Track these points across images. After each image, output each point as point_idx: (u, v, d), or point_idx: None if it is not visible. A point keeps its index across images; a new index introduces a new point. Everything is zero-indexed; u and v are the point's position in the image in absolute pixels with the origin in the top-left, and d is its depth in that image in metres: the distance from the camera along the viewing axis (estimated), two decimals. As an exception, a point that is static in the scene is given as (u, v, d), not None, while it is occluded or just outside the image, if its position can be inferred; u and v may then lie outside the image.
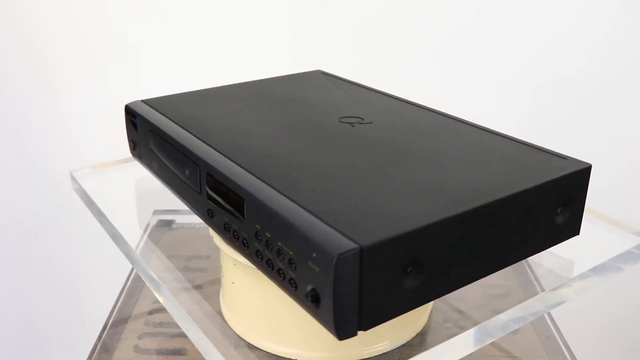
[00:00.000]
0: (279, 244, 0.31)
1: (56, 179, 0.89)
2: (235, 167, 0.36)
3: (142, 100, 0.49)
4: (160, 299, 0.41)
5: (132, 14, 0.80)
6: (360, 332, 0.29)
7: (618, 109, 0.81)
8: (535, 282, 0.58)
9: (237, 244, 0.35)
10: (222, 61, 0.81)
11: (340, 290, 0.28)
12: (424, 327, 0.46)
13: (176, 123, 0.44)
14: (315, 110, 0.46)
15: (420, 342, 0.44)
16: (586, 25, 0.78)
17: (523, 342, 0.47)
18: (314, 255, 0.28)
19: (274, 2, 0.79)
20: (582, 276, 0.40)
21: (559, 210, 0.36)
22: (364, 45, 0.80)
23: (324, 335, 0.40)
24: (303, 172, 0.35)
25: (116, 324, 0.49)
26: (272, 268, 0.32)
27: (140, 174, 0.52)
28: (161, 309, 0.50)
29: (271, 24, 0.80)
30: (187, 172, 0.40)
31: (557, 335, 0.48)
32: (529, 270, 0.54)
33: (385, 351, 0.42)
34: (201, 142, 0.40)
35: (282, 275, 0.31)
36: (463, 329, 0.44)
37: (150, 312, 0.50)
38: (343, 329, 0.29)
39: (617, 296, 0.90)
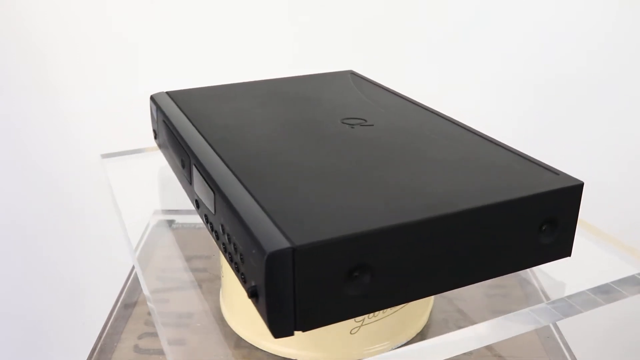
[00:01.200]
0: (234, 238, 0.31)
1: (56, 179, 0.89)
2: (217, 161, 0.37)
3: (166, 92, 0.51)
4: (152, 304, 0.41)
5: (132, 14, 0.80)
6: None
7: (618, 108, 0.81)
8: (535, 282, 0.58)
9: (212, 236, 0.36)
10: (223, 61, 0.81)
11: (272, 288, 0.28)
12: (424, 327, 0.46)
13: (186, 115, 0.45)
14: (323, 110, 0.46)
15: (420, 341, 0.44)
16: (586, 25, 0.78)
17: (523, 342, 0.47)
18: (254, 251, 0.29)
19: (273, 2, 0.79)
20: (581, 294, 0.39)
21: (543, 228, 0.34)
22: (364, 45, 0.80)
23: (324, 335, 0.40)
24: (279, 169, 0.36)
25: (116, 324, 0.49)
26: (232, 261, 0.33)
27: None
28: (160, 301, 0.50)
29: (271, 24, 0.80)
30: (182, 163, 0.42)
31: (557, 335, 0.48)
32: (528, 270, 0.54)
33: (385, 351, 0.42)
34: (199, 135, 0.41)
35: (237, 270, 0.32)
36: (463, 328, 0.44)
37: (151, 302, 0.50)
38: (278, 327, 0.29)
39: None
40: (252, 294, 0.30)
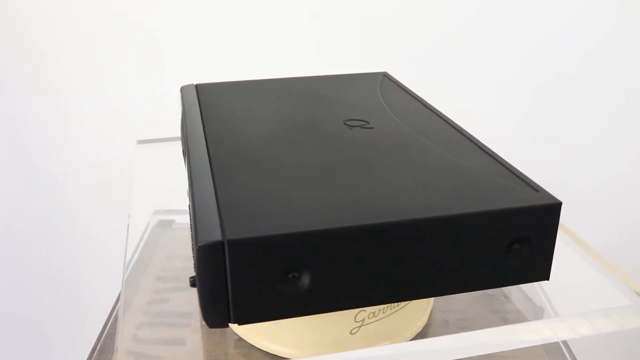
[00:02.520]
0: (191, 229, 0.32)
1: (56, 179, 0.89)
2: (203, 153, 0.37)
3: (195, 84, 0.52)
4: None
5: (132, 14, 0.80)
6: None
7: (618, 108, 0.81)
8: (536, 284, 0.58)
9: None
10: (223, 61, 0.82)
11: (205, 279, 0.28)
12: (424, 327, 0.46)
13: (200, 107, 0.46)
14: (332, 110, 0.46)
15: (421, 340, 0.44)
16: (586, 25, 0.78)
17: (523, 342, 0.47)
18: (193, 242, 0.29)
19: (273, 2, 0.79)
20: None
21: (514, 247, 0.32)
22: (363, 45, 0.80)
23: (324, 335, 0.40)
24: (255, 165, 0.36)
25: (116, 324, 0.49)
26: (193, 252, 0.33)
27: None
28: (160, 300, 0.50)
29: (271, 24, 0.80)
30: (183, 153, 0.43)
31: (557, 335, 0.48)
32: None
33: (385, 351, 0.42)
34: (202, 127, 0.42)
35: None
36: (463, 329, 0.44)
37: (150, 303, 0.50)
38: (211, 318, 0.30)
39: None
40: (192, 284, 0.30)
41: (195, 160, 0.37)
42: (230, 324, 0.45)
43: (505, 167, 0.36)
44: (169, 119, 0.69)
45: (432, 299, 0.47)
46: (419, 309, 0.44)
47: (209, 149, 0.38)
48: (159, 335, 0.47)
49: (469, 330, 0.36)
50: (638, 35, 0.77)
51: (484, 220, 0.31)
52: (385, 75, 0.55)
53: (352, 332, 0.40)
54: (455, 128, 0.42)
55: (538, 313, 0.50)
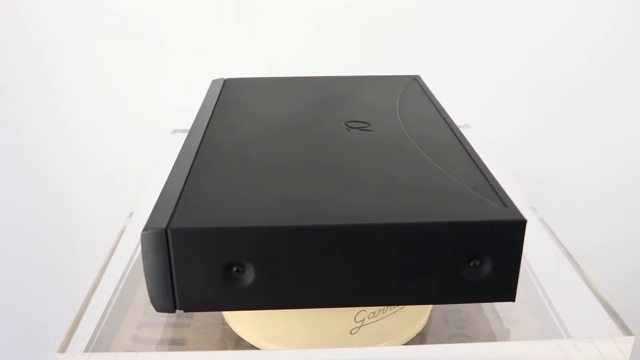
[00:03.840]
0: None
1: (56, 179, 0.89)
2: (194, 146, 0.39)
3: (224, 79, 0.54)
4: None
5: (132, 14, 0.80)
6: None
7: (619, 108, 0.81)
8: (534, 282, 0.58)
9: None
10: (223, 61, 0.81)
11: (149, 264, 0.30)
12: (424, 327, 0.46)
13: (217, 102, 0.48)
14: (340, 111, 0.46)
15: (420, 342, 0.44)
16: (586, 25, 0.78)
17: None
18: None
19: (273, 2, 0.79)
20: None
21: (473, 263, 0.31)
22: (363, 44, 0.80)
23: (325, 335, 0.40)
24: (234, 160, 0.37)
25: (114, 319, 0.49)
26: None
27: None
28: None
29: (270, 25, 0.80)
30: None
31: (557, 335, 0.48)
32: (528, 270, 0.54)
33: (385, 351, 0.42)
34: (207, 121, 0.43)
35: None
36: (463, 329, 0.44)
37: (149, 302, 0.50)
38: (157, 303, 0.31)
39: (617, 296, 0.90)
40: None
41: (184, 151, 0.38)
42: (229, 324, 0.45)
43: (487, 180, 0.34)
44: (169, 119, 0.69)
45: (432, 299, 0.47)
46: (419, 309, 0.44)
47: (202, 141, 0.39)
48: (159, 335, 0.47)
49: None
50: (638, 35, 0.77)
51: (438, 232, 0.30)
52: (415, 79, 0.55)
53: (352, 332, 0.40)
54: (457, 137, 0.41)
55: (538, 313, 0.50)
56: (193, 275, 0.30)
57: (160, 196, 0.32)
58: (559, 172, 0.84)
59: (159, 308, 0.31)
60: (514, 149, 0.82)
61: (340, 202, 0.31)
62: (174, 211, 0.30)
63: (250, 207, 0.31)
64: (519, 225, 0.30)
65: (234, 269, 0.30)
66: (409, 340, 0.44)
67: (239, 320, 0.44)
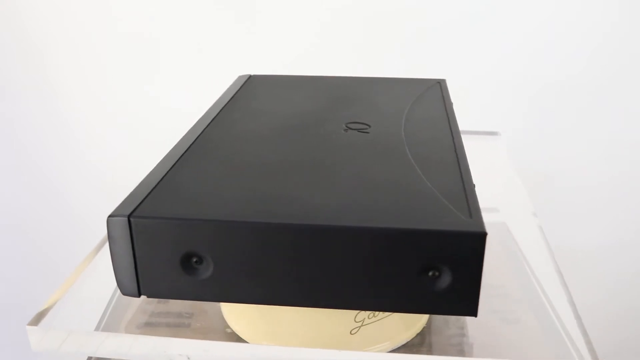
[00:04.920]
0: None
1: (56, 179, 0.89)
2: (190, 139, 0.40)
3: (250, 75, 0.55)
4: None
5: (132, 14, 0.80)
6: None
7: (618, 108, 0.81)
8: (534, 281, 0.58)
9: None
10: (224, 61, 0.82)
11: (114, 250, 0.31)
12: (424, 327, 0.46)
13: (233, 97, 0.49)
14: (346, 112, 0.46)
15: (420, 342, 0.44)
16: (586, 25, 0.78)
17: (523, 342, 0.47)
18: None
19: (273, 2, 0.79)
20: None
21: (431, 274, 0.30)
22: (362, 44, 0.80)
23: (324, 335, 0.40)
24: (222, 155, 0.38)
25: (114, 319, 0.49)
26: None
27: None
28: (160, 300, 0.50)
29: (270, 25, 0.80)
30: None
31: (557, 335, 0.48)
32: (528, 270, 0.54)
33: (385, 351, 0.42)
34: (214, 115, 0.44)
35: None
36: (463, 329, 0.44)
37: (150, 303, 0.50)
38: (123, 287, 0.32)
39: (616, 296, 0.90)
40: None
41: (180, 143, 0.40)
42: (229, 324, 0.45)
43: (465, 190, 0.33)
44: (169, 119, 0.69)
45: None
46: (419, 309, 0.44)
47: (200, 135, 0.40)
48: (159, 335, 0.47)
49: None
50: (638, 35, 0.77)
51: (395, 238, 0.29)
52: (439, 83, 0.54)
53: (352, 332, 0.40)
54: (454, 145, 0.40)
55: (538, 313, 0.50)
56: (154, 263, 0.31)
57: (138, 185, 0.34)
58: (559, 172, 0.84)
59: (125, 292, 0.32)
60: (513, 149, 0.82)
61: (306, 202, 0.31)
62: (142, 200, 0.31)
63: (216, 202, 0.31)
64: (478, 238, 0.29)
65: (193, 260, 0.31)
66: (408, 340, 0.44)
67: (239, 320, 0.44)
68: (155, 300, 0.51)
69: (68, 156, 0.87)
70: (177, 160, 0.37)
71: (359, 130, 0.42)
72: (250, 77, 0.55)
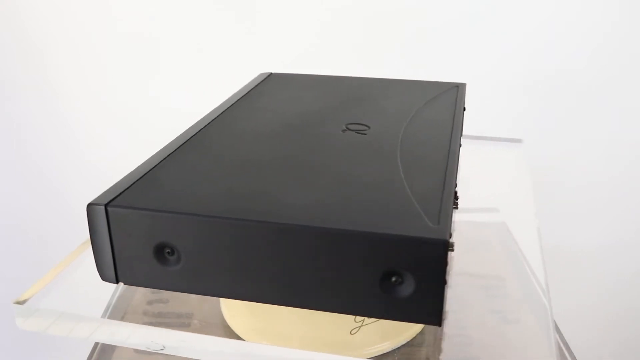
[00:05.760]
0: None
1: (56, 179, 0.89)
2: (190, 133, 0.41)
3: (272, 73, 0.56)
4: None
5: (132, 14, 0.80)
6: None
7: (619, 108, 0.81)
8: (534, 281, 0.58)
9: None
10: (224, 61, 0.81)
11: (94, 237, 0.32)
12: (424, 327, 0.46)
13: (248, 93, 0.50)
14: (352, 113, 0.46)
15: (420, 342, 0.44)
16: (586, 24, 0.78)
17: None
18: None
19: (273, 2, 0.79)
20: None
21: (392, 280, 0.29)
22: (361, 43, 0.80)
23: (324, 335, 0.40)
24: (214, 151, 0.38)
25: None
26: None
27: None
28: (160, 300, 0.50)
29: (270, 25, 0.80)
30: None
31: (557, 335, 0.48)
32: (528, 270, 0.54)
33: (385, 351, 0.42)
34: (221, 111, 0.45)
35: None
36: (463, 329, 0.44)
37: (150, 303, 0.50)
38: (103, 273, 0.34)
39: (616, 296, 0.90)
40: None
41: (179, 137, 0.41)
42: (230, 325, 0.45)
43: (442, 196, 0.33)
44: (169, 119, 0.69)
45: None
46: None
47: (200, 130, 0.41)
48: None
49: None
50: (638, 34, 0.77)
51: (357, 241, 0.29)
52: (457, 87, 0.54)
53: (352, 332, 0.40)
54: (448, 150, 0.39)
55: (538, 313, 0.50)
56: (130, 251, 0.32)
57: (123, 177, 0.35)
58: (559, 172, 0.84)
59: (104, 278, 0.34)
60: (513, 147, 0.82)
61: (279, 200, 0.32)
62: (123, 191, 0.33)
63: (192, 197, 0.32)
64: (439, 245, 0.28)
65: (166, 251, 0.31)
66: (409, 340, 0.44)
67: (239, 321, 0.44)
68: (156, 300, 0.51)
69: (68, 156, 0.87)
70: (168, 155, 0.38)
71: (357, 131, 0.42)
72: (270, 74, 0.55)
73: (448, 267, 0.29)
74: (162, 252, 0.32)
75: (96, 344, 0.47)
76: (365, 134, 0.42)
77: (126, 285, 0.55)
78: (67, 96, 0.84)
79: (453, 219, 0.36)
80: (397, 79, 0.55)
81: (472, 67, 0.80)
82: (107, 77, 0.83)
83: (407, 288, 0.29)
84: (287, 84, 0.53)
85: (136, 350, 0.46)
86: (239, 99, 0.49)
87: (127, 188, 0.33)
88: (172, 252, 0.31)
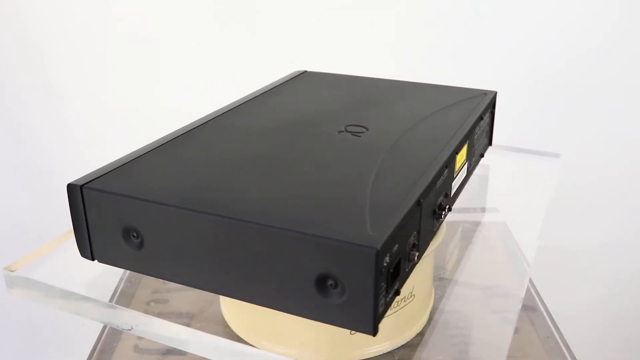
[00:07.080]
0: None
1: (56, 179, 0.89)
2: (189, 127, 0.42)
3: (306, 70, 0.56)
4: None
5: (132, 15, 0.80)
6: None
7: (619, 107, 0.81)
8: (535, 282, 0.58)
9: None
10: (224, 61, 0.81)
11: (73, 215, 0.35)
12: (424, 327, 0.46)
13: (273, 89, 0.51)
14: (358, 114, 0.46)
15: (420, 342, 0.44)
16: (586, 24, 0.78)
17: (523, 341, 0.47)
18: None
19: (273, 2, 0.79)
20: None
21: (328, 284, 0.29)
22: (361, 43, 0.80)
23: (324, 335, 0.40)
24: (205, 145, 0.39)
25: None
26: None
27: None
28: (160, 300, 0.50)
29: (270, 25, 0.80)
30: None
31: (557, 335, 0.48)
32: (527, 269, 0.54)
33: (385, 351, 0.42)
34: (240, 104, 0.47)
35: None
36: (463, 329, 0.44)
37: (150, 303, 0.50)
38: (81, 250, 0.35)
39: (617, 296, 0.90)
40: None
41: (181, 129, 0.42)
42: (230, 325, 0.45)
43: (400, 202, 0.32)
44: (169, 119, 0.69)
45: (432, 299, 0.47)
46: (419, 309, 0.44)
47: (200, 126, 0.43)
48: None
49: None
50: (638, 34, 0.77)
51: (290, 240, 0.29)
52: (484, 94, 0.52)
53: (352, 332, 0.40)
54: (437, 157, 0.38)
55: (537, 313, 0.50)
56: (102, 232, 0.34)
57: (109, 163, 0.36)
58: (559, 171, 0.84)
59: (83, 255, 0.36)
60: (513, 146, 0.82)
61: (240, 196, 0.33)
62: (101, 175, 0.35)
63: (161, 186, 0.34)
64: (368, 252, 0.27)
65: (132, 234, 0.33)
66: (409, 340, 0.44)
67: (239, 321, 0.44)
68: (156, 300, 0.51)
69: (68, 156, 0.87)
70: (158, 146, 0.39)
71: (353, 133, 0.42)
72: (304, 72, 0.56)
73: (403, 276, 0.29)
74: (128, 235, 0.33)
75: (96, 344, 0.47)
76: (359, 136, 0.41)
77: (126, 285, 0.55)
78: (67, 96, 0.84)
79: (436, 228, 0.37)
80: (425, 83, 0.54)
81: (471, 67, 0.80)
82: (107, 77, 0.83)
83: (341, 293, 0.29)
84: (313, 83, 0.53)
85: (136, 350, 0.46)
86: (258, 96, 0.49)
87: (107, 172, 0.35)
88: (137, 236, 0.33)
